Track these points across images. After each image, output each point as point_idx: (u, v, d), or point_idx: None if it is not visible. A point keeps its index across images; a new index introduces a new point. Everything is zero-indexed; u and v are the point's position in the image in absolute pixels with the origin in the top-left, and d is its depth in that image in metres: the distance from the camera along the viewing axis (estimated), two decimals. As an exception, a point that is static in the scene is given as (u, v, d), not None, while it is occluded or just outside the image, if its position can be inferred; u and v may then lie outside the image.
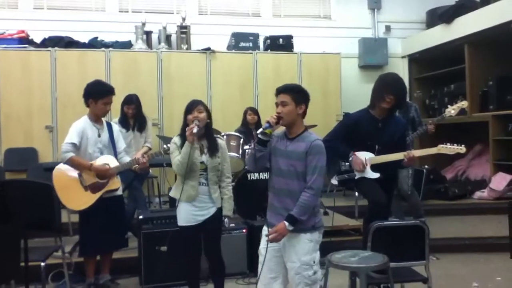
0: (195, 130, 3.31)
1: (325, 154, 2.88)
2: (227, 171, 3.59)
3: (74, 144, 3.82)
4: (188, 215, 3.42)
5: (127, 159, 4.10)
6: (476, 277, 4.22)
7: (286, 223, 2.79)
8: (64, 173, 3.86)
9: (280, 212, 2.87)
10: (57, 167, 3.92)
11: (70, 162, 3.82)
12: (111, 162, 3.94)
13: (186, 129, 3.36)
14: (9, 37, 6.63)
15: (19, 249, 2.97)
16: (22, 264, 3.06)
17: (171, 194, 3.59)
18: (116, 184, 3.96)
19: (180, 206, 3.46)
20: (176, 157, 3.43)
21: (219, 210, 3.51)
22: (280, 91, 2.93)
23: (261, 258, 2.95)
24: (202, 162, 3.44)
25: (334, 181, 4.05)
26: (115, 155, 4.03)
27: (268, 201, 3.01)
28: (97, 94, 3.93)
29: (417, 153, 3.79)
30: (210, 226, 3.47)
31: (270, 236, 2.81)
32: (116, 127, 4.22)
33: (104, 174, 3.87)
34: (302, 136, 2.91)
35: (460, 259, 4.74)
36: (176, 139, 3.52)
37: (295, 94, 2.91)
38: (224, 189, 3.55)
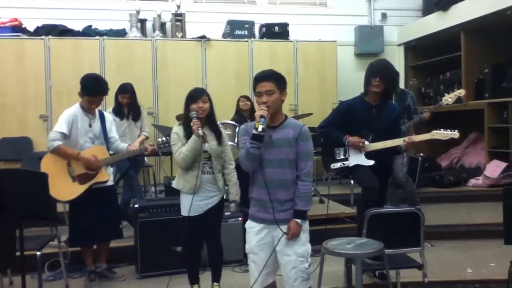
0: (201, 133, 3.27)
1: (311, 139, 2.82)
2: (230, 157, 3.59)
3: (62, 133, 3.77)
4: (192, 205, 3.37)
5: (123, 145, 4.08)
6: (471, 263, 4.26)
7: (298, 220, 2.71)
8: (53, 162, 3.79)
9: (271, 205, 2.71)
10: (46, 155, 3.86)
11: (57, 151, 3.77)
12: (102, 153, 3.90)
13: (191, 123, 3.31)
14: (2, 25, 6.55)
15: (15, 239, 2.96)
16: (18, 253, 3.06)
17: (174, 185, 3.54)
18: (105, 176, 3.91)
19: (184, 196, 3.44)
20: (180, 150, 3.37)
21: (223, 198, 3.52)
22: (262, 79, 2.74)
23: (254, 257, 2.82)
24: (205, 151, 3.42)
25: (335, 166, 4.03)
26: (107, 145, 4.00)
27: (252, 196, 2.85)
28: (84, 89, 3.86)
29: (417, 138, 3.80)
30: (212, 214, 3.47)
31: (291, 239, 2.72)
32: (109, 117, 4.17)
33: (91, 165, 3.81)
34: (286, 123, 2.79)
35: (454, 246, 4.78)
36: (178, 129, 3.45)
37: (278, 81, 2.75)
38: (229, 175, 3.55)
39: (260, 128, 2.62)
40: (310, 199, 2.79)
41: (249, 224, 2.87)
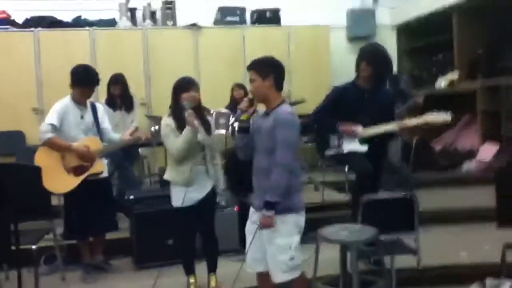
0: (196, 124, 3.26)
1: (292, 127, 2.75)
2: (216, 146, 3.62)
3: (53, 125, 3.75)
4: (185, 196, 3.38)
5: (116, 136, 4.06)
6: (465, 246, 4.27)
7: (263, 211, 2.71)
8: (47, 155, 3.78)
9: (257, 192, 2.85)
10: (39, 148, 3.85)
11: (49, 143, 3.75)
12: (95, 144, 3.89)
13: (186, 114, 3.28)
14: (-10, 18, 6.48)
15: (9, 233, 2.96)
16: (14, 248, 3.05)
17: (166, 177, 3.54)
18: (100, 167, 3.91)
19: (176, 188, 3.44)
20: (176, 142, 3.34)
21: (214, 187, 3.52)
22: (248, 68, 2.85)
23: (246, 239, 2.96)
24: (198, 142, 3.42)
25: (329, 152, 4.04)
26: (100, 136, 3.98)
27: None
28: (76, 81, 3.85)
29: (409, 122, 3.80)
30: (205, 203, 3.48)
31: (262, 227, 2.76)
32: (101, 107, 4.16)
33: (84, 155, 3.80)
34: (274, 110, 2.80)
35: (449, 230, 4.78)
36: (170, 121, 3.42)
37: (260, 68, 2.80)
38: (217, 166, 3.58)
39: (232, 120, 2.82)
40: (279, 190, 2.70)
41: (251, 207, 2.99)
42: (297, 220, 2.82)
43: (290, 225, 2.79)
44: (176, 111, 3.39)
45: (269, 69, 2.81)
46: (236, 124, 2.87)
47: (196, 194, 3.42)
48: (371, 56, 3.83)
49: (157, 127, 3.74)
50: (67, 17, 6.84)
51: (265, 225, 2.73)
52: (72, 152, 3.80)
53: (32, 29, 6.43)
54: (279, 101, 2.84)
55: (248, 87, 2.93)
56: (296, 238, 2.81)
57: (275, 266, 2.79)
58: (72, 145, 3.78)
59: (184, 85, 3.39)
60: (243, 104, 2.81)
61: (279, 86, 2.85)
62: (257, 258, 2.90)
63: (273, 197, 2.70)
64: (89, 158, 3.83)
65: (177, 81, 3.45)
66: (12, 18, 6.63)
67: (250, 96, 2.88)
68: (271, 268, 2.81)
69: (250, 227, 2.94)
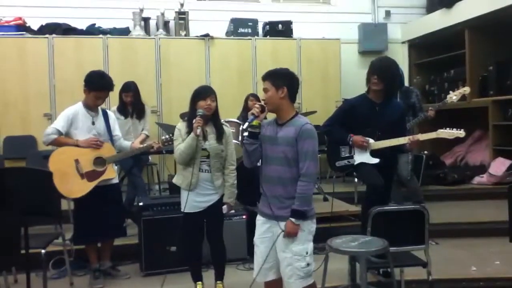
0: (199, 132, 3.28)
1: (316, 138, 2.80)
2: (231, 158, 3.58)
3: (58, 130, 3.80)
4: (190, 202, 3.41)
5: (127, 143, 4.10)
6: (475, 261, 4.24)
7: (293, 219, 2.72)
8: (61, 159, 3.80)
9: (270, 201, 2.82)
10: (53, 153, 3.88)
11: (56, 143, 3.82)
12: (108, 149, 3.92)
13: (193, 121, 3.31)
14: (6, 24, 6.57)
15: (19, 237, 2.97)
16: (23, 251, 3.06)
17: (174, 180, 3.59)
18: (112, 173, 3.93)
19: (183, 193, 3.47)
20: (179, 146, 3.39)
21: (222, 196, 3.52)
22: (262, 78, 2.88)
23: (256, 249, 2.93)
24: (204, 149, 3.43)
25: (340, 164, 4.04)
26: (112, 143, 4.00)
27: (260, 190, 2.93)
28: (91, 85, 3.88)
29: (421, 137, 3.79)
30: (212, 212, 3.48)
31: (286, 237, 2.75)
32: (112, 115, 4.19)
33: (92, 145, 3.83)
34: (291, 121, 2.82)
35: (459, 244, 4.76)
36: (181, 126, 3.47)
37: (274, 78, 2.83)
38: (227, 176, 3.54)
39: (245, 125, 2.79)
40: (307, 199, 2.76)
41: (257, 216, 2.97)
42: (311, 226, 2.84)
43: (306, 232, 2.81)
44: (190, 117, 3.42)
45: (283, 80, 2.83)
46: (246, 131, 2.84)
47: (201, 200, 3.43)
48: (381, 70, 3.83)
49: (167, 136, 3.78)
50: (82, 25, 6.93)
51: (292, 233, 2.74)
52: (85, 155, 3.82)
53: (47, 35, 6.51)
54: (294, 113, 2.87)
55: (261, 96, 2.92)
56: (311, 244, 2.83)
57: (292, 273, 2.76)
58: (79, 140, 3.83)
59: (202, 93, 3.43)
60: (255, 109, 2.81)
61: (292, 97, 2.87)
62: (267, 267, 2.88)
63: (303, 206, 2.74)
64: (99, 144, 3.86)
65: (196, 89, 3.48)
66: (27, 24, 6.73)
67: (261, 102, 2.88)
68: (288, 276, 2.77)
69: (261, 238, 2.90)
